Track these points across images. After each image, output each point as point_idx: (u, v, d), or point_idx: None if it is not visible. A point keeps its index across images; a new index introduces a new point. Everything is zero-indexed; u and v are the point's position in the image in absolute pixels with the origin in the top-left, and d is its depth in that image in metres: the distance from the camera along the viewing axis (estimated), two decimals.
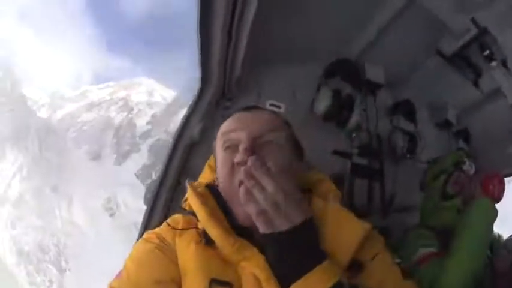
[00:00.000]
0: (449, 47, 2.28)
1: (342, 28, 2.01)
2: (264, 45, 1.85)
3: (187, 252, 1.29)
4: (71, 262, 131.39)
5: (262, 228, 1.13)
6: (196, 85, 2.17)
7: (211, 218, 1.31)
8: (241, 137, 1.35)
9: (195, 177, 1.67)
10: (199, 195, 1.40)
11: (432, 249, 2.36)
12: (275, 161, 1.30)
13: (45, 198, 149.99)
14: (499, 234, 2.70)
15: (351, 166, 2.81)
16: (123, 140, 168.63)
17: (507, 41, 1.98)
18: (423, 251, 2.34)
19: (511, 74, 2.10)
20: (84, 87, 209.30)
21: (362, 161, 2.87)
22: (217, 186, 1.44)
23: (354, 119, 2.70)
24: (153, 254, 1.32)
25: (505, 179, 2.40)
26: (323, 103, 2.59)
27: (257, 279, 1.19)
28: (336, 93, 2.62)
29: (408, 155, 3.10)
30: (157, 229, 1.44)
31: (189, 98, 2.32)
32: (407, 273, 1.38)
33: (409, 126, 3.14)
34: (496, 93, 2.74)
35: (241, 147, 1.31)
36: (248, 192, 1.14)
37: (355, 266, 1.25)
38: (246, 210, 1.15)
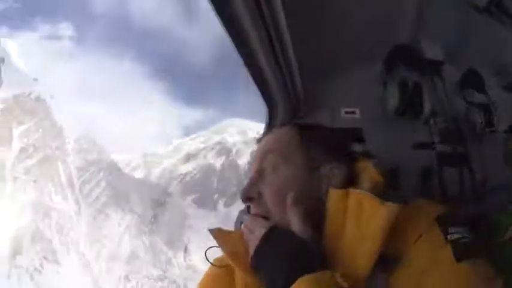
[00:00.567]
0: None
1: (381, 14, 1.92)
2: (317, 57, 1.86)
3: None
4: None
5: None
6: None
7: (230, 257, 1.39)
8: (252, 168, 1.46)
9: None
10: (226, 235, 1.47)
11: None
12: (269, 191, 1.37)
13: (160, 251, 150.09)
14: None
15: (436, 156, 2.64)
16: (229, 182, 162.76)
17: None
18: None
19: None
20: (176, 141, 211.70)
21: (446, 148, 2.68)
22: None
23: (427, 106, 2.58)
24: (218, 279, 1.45)
25: None
26: (392, 99, 2.52)
27: None
28: (403, 86, 2.53)
29: (488, 129, 2.80)
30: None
31: None
32: (465, 253, 1.22)
33: (482, 98, 2.85)
34: None
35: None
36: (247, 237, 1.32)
37: (388, 259, 1.18)
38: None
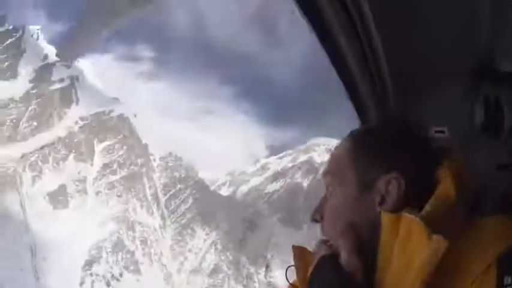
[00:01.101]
0: None
1: (459, 29, 1.86)
2: (407, 74, 1.88)
3: None
4: None
5: None
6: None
7: (298, 278, 1.39)
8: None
9: None
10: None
11: None
12: (326, 216, 1.33)
13: (242, 267, 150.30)
14: None
15: None
16: (315, 201, 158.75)
17: None
18: None
19: None
20: (263, 160, 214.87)
21: None
22: None
23: (506, 122, 2.23)
24: None
25: None
26: (477, 117, 2.27)
27: None
28: (485, 101, 2.26)
29: None
30: None
31: None
32: None
33: None
34: None
35: None
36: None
37: None
38: None
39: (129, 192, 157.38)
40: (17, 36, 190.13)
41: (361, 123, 2.05)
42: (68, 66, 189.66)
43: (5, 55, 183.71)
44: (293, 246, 1.42)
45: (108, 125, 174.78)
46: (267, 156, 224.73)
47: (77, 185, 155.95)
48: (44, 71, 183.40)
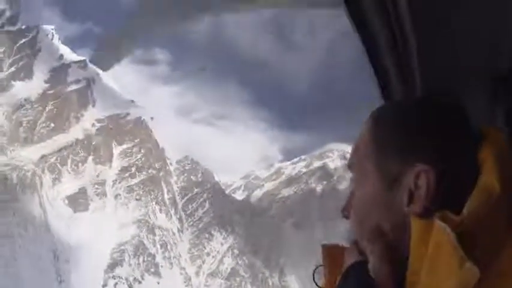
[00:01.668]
0: None
1: (487, 37, 1.76)
2: (435, 77, 1.81)
3: None
4: None
5: None
6: None
7: (327, 276, 1.29)
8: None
9: None
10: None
11: None
12: (351, 215, 1.19)
13: (258, 270, 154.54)
14: None
15: None
16: (328, 207, 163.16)
17: None
18: None
19: None
20: (277, 164, 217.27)
21: None
22: None
23: None
24: None
25: None
26: (502, 128, 2.05)
27: None
28: (508, 111, 2.04)
29: None
30: None
31: None
32: None
33: None
34: None
35: None
36: None
37: None
38: None
39: (148, 196, 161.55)
40: (31, 36, 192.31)
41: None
42: (84, 68, 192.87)
43: (19, 55, 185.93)
44: (323, 246, 1.27)
45: (126, 128, 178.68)
46: (281, 161, 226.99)
47: (96, 188, 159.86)
48: (59, 72, 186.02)
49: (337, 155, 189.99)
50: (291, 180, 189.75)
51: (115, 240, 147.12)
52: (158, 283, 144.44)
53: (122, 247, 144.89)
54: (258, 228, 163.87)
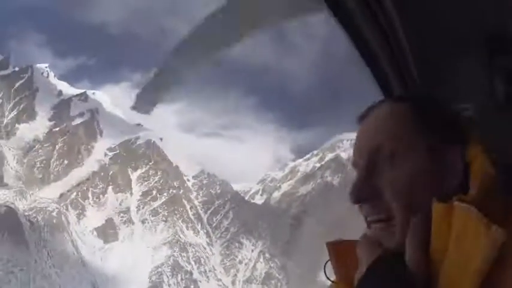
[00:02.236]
0: None
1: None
2: (427, 49, 1.83)
3: None
4: None
5: None
6: None
7: (336, 271, 1.29)
8: (358, 163, 1.17)
9: None
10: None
11: None
12: (391, 190, 1.11)
13: (291, 270, 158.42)
14: None
15: None
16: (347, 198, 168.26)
17: None
18: None
19: None
20: (291, 164, 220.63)
21: None
22: None
23: None
24: None
25: None
26: (497, 90, 2.05)
27: None
28: (505, 73, 2.03)
29: None
30: None
31: None
32: None
33: None
34: None
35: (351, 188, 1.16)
36: None
37: None
38: None
39: (173, 216, 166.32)
40: (27, 76, 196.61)
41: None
42: (85, 100, 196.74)
43: (18, 97, 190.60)
44: (327, 243, 1.28)
45: (138, 152, 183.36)
46: (294, 160, 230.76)
47: (122, 217, 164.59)
48: (61, 108, 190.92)
49: (348, 144, 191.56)
50: (306, 177, 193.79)
51: (150, 263, 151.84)
52: None
53: (159, 269, 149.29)
54: (282, 229, 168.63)
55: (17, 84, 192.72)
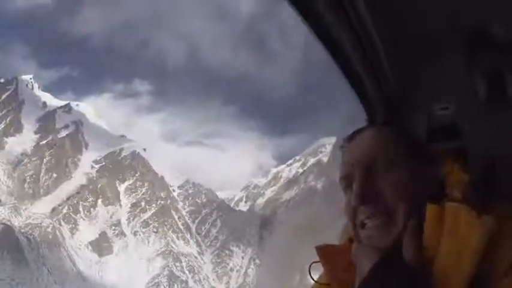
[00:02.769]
0: None
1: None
2: (404, 50, 1.84)
3: None
4: None
5: None
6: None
7: (328, 274, 1.37)
8: (355, 173, 1.29)
9: None
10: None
11: None
12: (393, 189, 1.24)
13: (280, 276, 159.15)
14: None
15: None
16: (334, 202, 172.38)
17: None
18: None
19: None
20: (273, 170, 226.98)
21: None
22: None
23: (510, 91, 2.03)
24: None
25: None
26: (480, 89, 2.03)
27: None
28: (486, 72, 2.04)
29: None
30: None
31: None
32: None
33: None
34: None
35: (353, 192, 1.26)
36: None
37: (479, 282, 1.05)
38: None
39: (163, 226, 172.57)
40: (12, 88, 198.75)
41: (364, 109, 2.02)
42: (69, 112, 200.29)
43: (5, 110, 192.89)
44: (316, 247, 1.38)
45: (124, 164, 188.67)
46: (277, 166, 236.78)
47: (114, 230, 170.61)
48: (46, 120, 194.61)
49: (329, 148, 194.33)
50: (290, 183, 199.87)
51: (146, 275, 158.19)
52: None
53: (156, 280, 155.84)
54: (270, 235, 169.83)
55: (3, 96, 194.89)
